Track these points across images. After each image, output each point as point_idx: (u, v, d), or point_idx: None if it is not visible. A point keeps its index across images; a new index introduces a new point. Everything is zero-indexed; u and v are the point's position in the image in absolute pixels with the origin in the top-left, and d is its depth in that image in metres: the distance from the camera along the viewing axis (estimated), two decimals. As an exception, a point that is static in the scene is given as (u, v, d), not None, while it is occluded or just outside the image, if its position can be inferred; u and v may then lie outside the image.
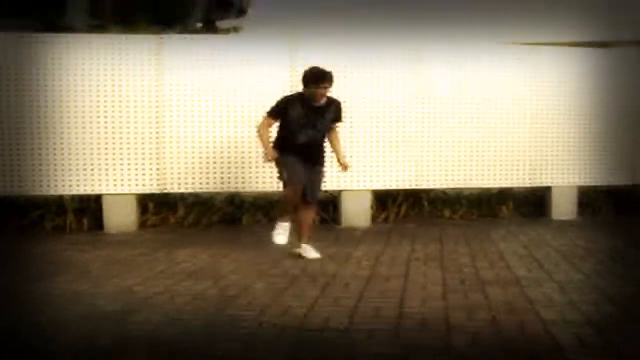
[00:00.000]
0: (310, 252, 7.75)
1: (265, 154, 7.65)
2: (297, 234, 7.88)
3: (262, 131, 7.72)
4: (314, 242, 7.90)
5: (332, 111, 7.74)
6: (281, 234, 7.69)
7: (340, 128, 9.80)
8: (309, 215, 7.95)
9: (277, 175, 7.76)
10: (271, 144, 7.68)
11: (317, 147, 7.76)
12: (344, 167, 7.96)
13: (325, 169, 7.97)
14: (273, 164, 7.75)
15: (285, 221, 7.72)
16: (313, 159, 7.71)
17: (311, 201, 7.85)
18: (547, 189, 11.01)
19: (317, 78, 7.48)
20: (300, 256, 7.68)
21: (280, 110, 7.64)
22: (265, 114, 7.75)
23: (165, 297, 5.86)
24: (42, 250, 8.34)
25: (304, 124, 7.56)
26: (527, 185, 10.94)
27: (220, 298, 5.80)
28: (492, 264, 7.22)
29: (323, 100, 7.60)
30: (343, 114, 7.92)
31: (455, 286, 6.19)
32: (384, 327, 4.87)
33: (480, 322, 4.97)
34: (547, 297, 5.74)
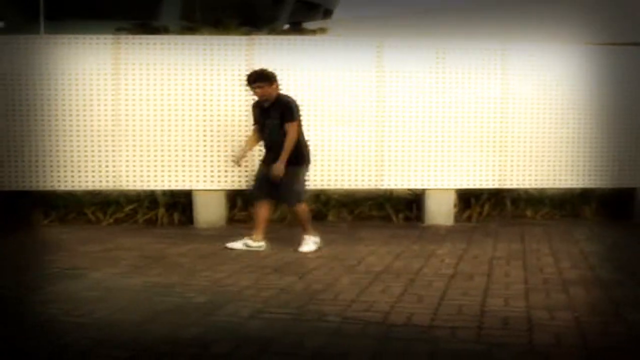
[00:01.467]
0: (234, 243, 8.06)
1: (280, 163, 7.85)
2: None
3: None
4: (397, 238, 7.92)
5: (276, 109, 7.79)
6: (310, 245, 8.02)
7: (427, 127, 9.82)
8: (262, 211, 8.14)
9: None
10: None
11: (276, 148, 7.78)
12: (274, 171, 7.74)
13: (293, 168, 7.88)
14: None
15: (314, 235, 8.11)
16: (273, 160, 7.80)
17: (290, 208, 8.26)
18: (632, 190, 10.73)
19: (249, 79, 7.81)
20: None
21: (253, 115, 8.20)
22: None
23: (252, 290, 5.91)
24: (135, 243, 8.50)
25: (261, 125, 7.95)
26: (611, 186, 10.67)
27: (305, 292, 5.82)
28: (574, 265, 7.09)
29: (268, 100, 7.79)
30: (289, 114, 7.78)
31: (538, 286, 6.10)
32: (466, 324, 4.82)
33: (563, 322, 4.88)
34: (631, 299, 5.61)
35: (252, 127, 8.31)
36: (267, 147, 7.99)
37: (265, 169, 7.91)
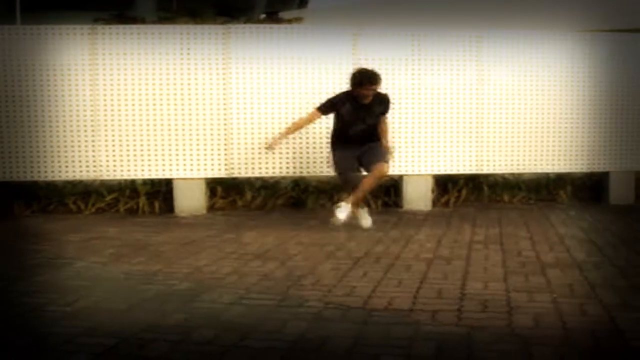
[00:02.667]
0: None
1: (275, 138, 8.56)
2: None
3: (300, 120, 8.60)
4: (376, 224, 8.07)
5: (379, 105, 8.10)
6: (341, 211, 8.07)
7: (404, 114, 9.84)
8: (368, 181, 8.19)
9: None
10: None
11: (369, 136, 8.16)
12: (386, 149, 8.27)
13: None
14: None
15: (347, 202, 8.12)
16: (366, 143, 8.16)
17: (378, 163, 8.06)
18: (605, 175, 10.80)
19: (365, 80, 7.87)
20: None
21: (330, 108, 8.17)
22: (315, 108, 8.36)
23: (234, 277, 5.90)
24: (117, 232, 8.45)
25: (355, 120, 8.03)
26: (585, 170, 10.74)
27: (287, 278, 5.81)
28: (551, 248, 7.12)
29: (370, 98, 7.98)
30: (390, 107, 8.28)
31: (516, 269, 6.12)
32: (446, 307, 4.83)
33: (541, 304, 4.90)
34: (607, 281, 5.64)
35: (312, 113, 8.41)
36: (356, 138, 8.14)
37: (355, 150, 8.17)
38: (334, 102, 8.16)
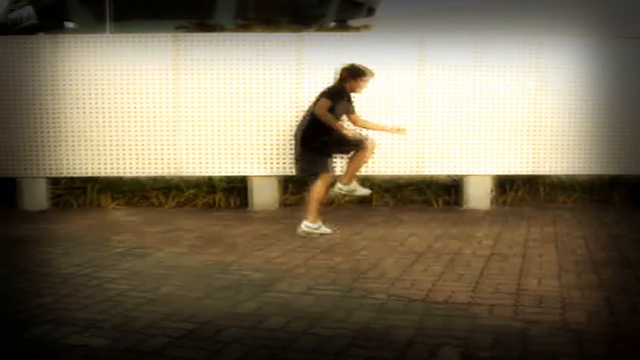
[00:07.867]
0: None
1: (339, 126, 7.45)
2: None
3: (324, 112, 7.40)
4: (437, 221, 7.93)
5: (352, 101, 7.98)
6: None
7: (465, 118, 9.79)
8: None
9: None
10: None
11: None
12: (399, 131, 8.50)
13: None
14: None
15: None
16: None
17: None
18: (658, 177, 10.54)
19: (364, 71, 7.72)
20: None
21: (338, 97, 7.60)
22: (325, 98, 7.49)
23: (303, 269, 5.95)
24: (195, 224, 8.57)
25: (344, 112, 7.83)
26: (639, 172, 10.50)
27: (352, 271, 5.83)
28: (604, 247, 7.00)
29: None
30: None
31: (570, 266, 6.04)
32: (503, 302, 4.80)
33: (594, 301, 4.84)
34: (656, 280, 5.55)
35: (343, 119, 7.90)
36: None
37: None
38: (341, 93, 7.68)
